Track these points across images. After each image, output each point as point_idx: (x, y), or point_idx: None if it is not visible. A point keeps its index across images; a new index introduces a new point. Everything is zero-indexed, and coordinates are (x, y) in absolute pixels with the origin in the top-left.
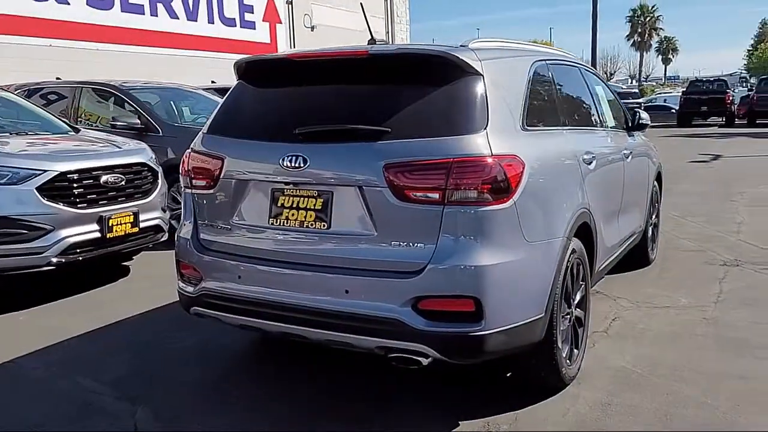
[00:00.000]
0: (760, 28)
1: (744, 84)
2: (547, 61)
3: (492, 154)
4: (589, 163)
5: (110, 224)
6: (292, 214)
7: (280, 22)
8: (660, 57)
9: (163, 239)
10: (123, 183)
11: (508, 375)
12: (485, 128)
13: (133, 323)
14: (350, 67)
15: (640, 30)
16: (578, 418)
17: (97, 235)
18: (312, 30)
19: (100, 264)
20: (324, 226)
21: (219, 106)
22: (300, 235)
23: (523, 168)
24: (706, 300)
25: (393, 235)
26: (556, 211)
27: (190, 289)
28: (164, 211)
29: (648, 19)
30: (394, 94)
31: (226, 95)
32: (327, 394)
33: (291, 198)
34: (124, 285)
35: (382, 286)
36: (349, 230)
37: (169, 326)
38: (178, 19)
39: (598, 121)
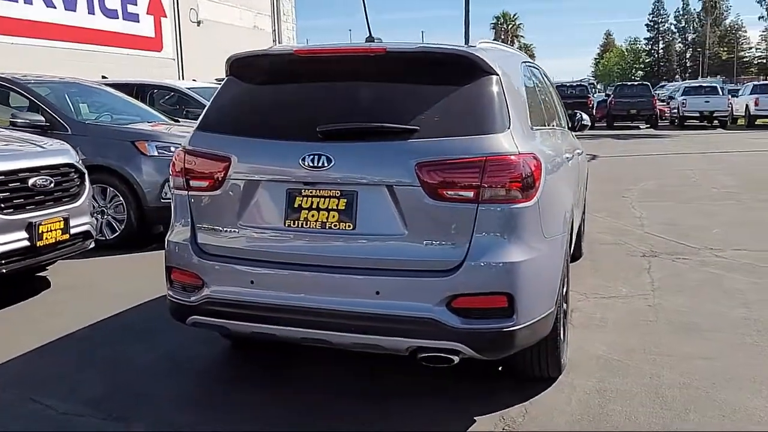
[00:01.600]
0: (605, 39)
1: (592, 90)
2: (527, 63)
3: (519, 153)
4: (569, 161)
5: (40, 231)
6: (312, 215)
7: (165, 16)
8: None
9: (91, 246)
10: (52, 186)
11: (500, 368)
12: (509, 127)
13: (81, 339)
14: (366, 65)
15: (503, 37)
16: (582, 405)
17: (26, 243)
18: (198, 25)
19: (18, 276)
20: (349, 226)
21: (213, 102)
22: (322, 236)
23: (542, 166)
24: (644, 289)
25: (425, 234)
26: (561, 207)
27: (187, 297)
28: (92, 215)
29: (510, 26)
30: (415, 92)
31: (220, 91)
32: (329, 395)
33: (310, 199)
34: (50, 297)
35: (416, 286)
36: (377, 230)
37: (122, 340)
38: (55, 8)
39: (562, 121)
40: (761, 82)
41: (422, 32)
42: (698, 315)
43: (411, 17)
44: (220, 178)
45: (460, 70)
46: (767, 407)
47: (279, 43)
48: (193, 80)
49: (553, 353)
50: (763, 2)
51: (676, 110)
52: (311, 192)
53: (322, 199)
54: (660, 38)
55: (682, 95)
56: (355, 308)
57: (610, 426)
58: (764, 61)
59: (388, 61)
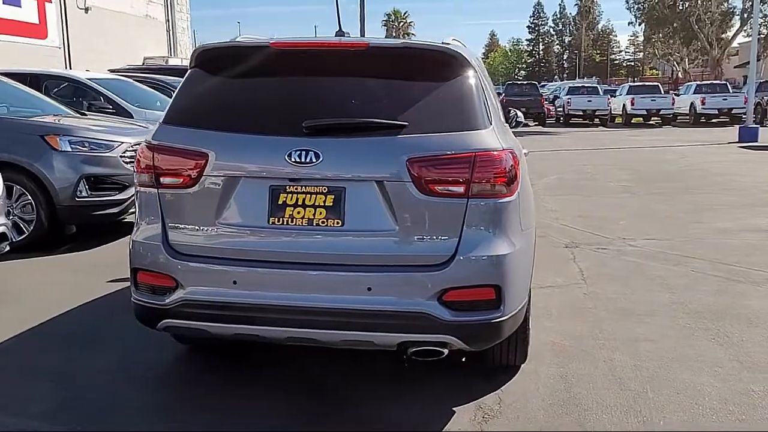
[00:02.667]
0: (490, 39)
1: None
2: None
3: (503, 148)
4: (525, 156)
5: None
6: (298, 213)
7: (50, 1)
8: None
9: (6, 249)
10: None
11: (463, 359)
12: (491, 123)
13: (18, 350)
14: (347, 60)
15: (394, 34)
16: (550, 390)
17: None
18: (86, 12)
19: None
20: (338, 223)
21: (180, 95)
22: (309, 233)
23: (519, 161)
24: (575, 278)
25: (415, 229)
26: (531, 201)
27: (158, 300)
28: (8, 216)
29: (401, 24)
30: (398, 88)
31: (187, 84)
32: (300, 395)
33: (295, 195)
34: None
35: (408, 281)
36: (366, 226)
37: (65, 348)
38: None
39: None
40: (636, 84)
41: (315, 26)
42: (631, 301)
43: (305, 10)
44: (195, 175)
45: (441, 66)
46: (713, 383)
47: (172, 33)
48: (87, 71)
49: (522, 342)
50: (631, 9)
51: (561, 109)
52: (296, 188)
53: (309, 196)
54: (540, 40)
55: (566, 95)
56: (346, 305)
57: (581, 409)
58: (632, 63)
59: (370, 56)
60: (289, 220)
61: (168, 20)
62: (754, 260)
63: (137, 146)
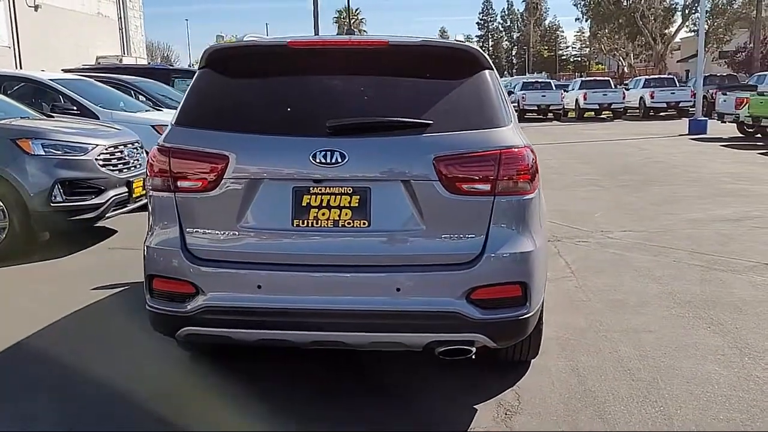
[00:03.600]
0: (440, 35)
1: None
2: None
3: (524, 145)
4: None
5: None
6: (323, 214)
7: None
8: None
9: None
10: None
11: (473, 357)
12: (512, 121)
13: (6, 364)
14: (367, 58)
15: (346, 31)
16: (565, 385)
17: None
18: (36, 10)
19: None
20: (364, 223)
21: (192, 96)
22: (334, 235)
23: (536, 158)
24: (564, 272)
25: (442, 227)
26: (543, 198)
27: (177, 307)
28: None
29: (353, 21)
30: (419, 86)
31: (198, 84)
32: (322, 392)
33: (319, 197)
34: None
35: (437, 280)
36: (393, 226)
37: (42, 362)
38: None
39: None
40: (588, 79)
41: (267, 24)
42: (622, 292)
43: (256, 7)
44: (215, 178)
45: (461, 64)
46: (718, 371)
47: (125, 31)
48: (42, 71)
49: (536, 337)
50: (578, 5)
51: (516, 104)
52: (320, 189)
53: (333, 197)
54: (489, 36)
55: (521, 90)
56: (376, 306)
57: (598, 401)
58: (579, 58)
59: (390, 54)
60: (314, 221)
61: (120, 18)
62: (729, 249)
63: (112, 149)
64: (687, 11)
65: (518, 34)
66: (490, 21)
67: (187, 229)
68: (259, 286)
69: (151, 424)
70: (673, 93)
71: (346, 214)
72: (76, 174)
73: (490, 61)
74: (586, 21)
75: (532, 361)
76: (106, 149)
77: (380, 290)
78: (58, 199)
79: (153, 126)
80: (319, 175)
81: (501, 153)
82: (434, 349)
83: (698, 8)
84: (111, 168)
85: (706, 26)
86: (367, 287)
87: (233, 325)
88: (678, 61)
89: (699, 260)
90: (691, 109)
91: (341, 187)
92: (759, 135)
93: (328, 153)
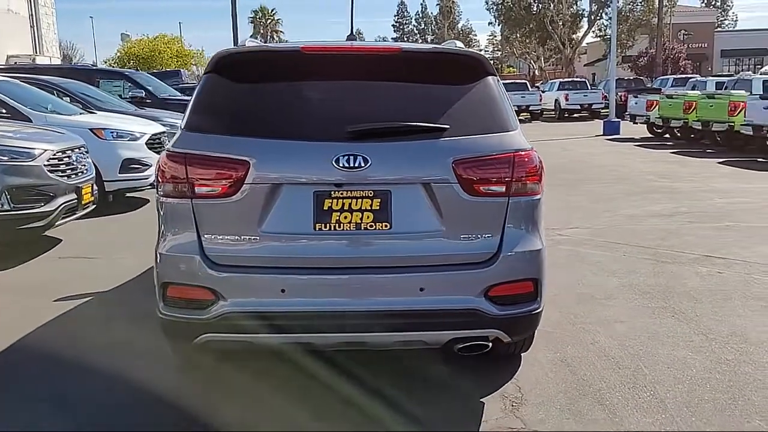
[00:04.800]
0: (357, 38)
1: None
2: None
3: (531, 148)
4: None
5: None
6: (345, 217)
7: None
8: None
9: None
10: None
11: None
12: (518, 125)
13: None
14: (380, 64)
15: (262, 31)
16: (559, 375)
17: None
18: None
19: None
20: (386, 226)
21: (201, 101)
22: (357, 238)
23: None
24: None
25: (461, 228)
26: None
27: (196, 314)
28: None
29: (269, 21)
30: (433, 91)
31: (206, 89)
32: (327, 400)
33: (341, 200)
34: None
35: (458, 279)
36: (414, 228)
37: (54, 373)
38: None
39: None
40: (506, 82)
41: (180, 23)
42: (586, 286)
43: (165, 6)
44: (235, 184)
45: (470, 70)
46: (692, 356)
47: (37, 29)
48: None
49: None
50: (491, 10)
51: None
52: (342, 193)
53: (355, 200)
54: (405, 38)
55: None
56: (401, 307)
57: (594, 389)
58: (492, 62)
59: (402, 60)
60: (336, 225)
61: (31, 15)
62: (669, 243)
63: (60, 154)
64: (593, 17)
65: (432, 37)
66: (406, 23)
67: (205, 235)
68: (283, 290)
69: None
70: (586, 95)
71: (368, 217)
72: (24, 181)
73: (493, 67)
74: (499, 25)
75: (523, 354)
76: (54, 154)
77: (404, 291)
78: (6, 207)
79: (92, 129)
80: (341, 179)
81: (514, 156)
82: (453, 345)
83: (603, 15)
84: (60, 174)
85: (610, 32)
86: (392, 288)
87: (257, 330)
88: (585, 65)
89: (646, 254)
90: (603, 111)
91: (363, 190)
92: (667, 135)
93: (351, 157)
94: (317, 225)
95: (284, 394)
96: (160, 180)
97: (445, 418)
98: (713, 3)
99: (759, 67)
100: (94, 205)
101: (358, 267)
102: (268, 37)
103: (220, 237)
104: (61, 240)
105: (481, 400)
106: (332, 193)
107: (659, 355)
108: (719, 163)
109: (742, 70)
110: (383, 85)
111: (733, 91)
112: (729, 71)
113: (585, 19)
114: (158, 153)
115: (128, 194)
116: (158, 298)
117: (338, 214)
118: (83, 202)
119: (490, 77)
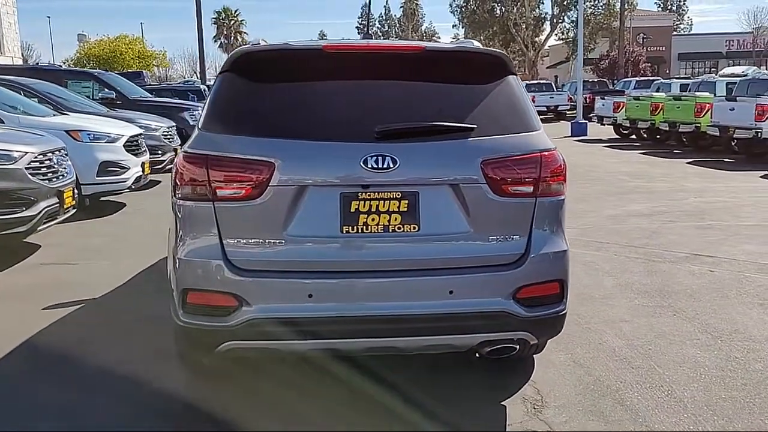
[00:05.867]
0: (320, 37)
1: None
2: None
3: (555, 148)
4: None
5: None
6: (372, 219)
7: None
8: None
9: None
10: None
11: (477, 355)
12: (541, 125)
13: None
14: (404, 63)
15: (225, 32)
16: (574, 377)
17: None
18: None
19: None
20: (414, 228)
21: (218, 101)
22: (385, 240)
23: None
24: None
25: (489, 229)
26: None
27: (219, 321)
28: None
29: (233, 22)
30: (458, 91)
31: (224, 89)
32: (343, 401)
33: (368, 202)
34: None
35: (487, 281)
36: (442, 230)
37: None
38: None
39: None
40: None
41: (141, 24)
42: (584, 286)
43: (125, 6)
44: (259, 186)
45: (494, 70)
46: (701, 354)
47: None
48: None
49: None
50: (454, 12)
51: None
52: (369, 195)
53: (382, 202)
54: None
55: None
56: (431, 310)
57: (612, 390)
58: None
59: (425, 60)
60: (364, 227)
61: None
62: (657, 242)
63: (41, 156)
64: (555, 21)
65: (396, 39)
66: (369, 25)
67: (228, 239)
68: (310, 295)
69: None
70: (552, 97)
71: (396, 219)
72: (5, 184)
73: (515, 67)
74: (462, 28)
75: (534, 356)
76: (36, 157)
77: (434, 294)
78: None
79: (67, 131)
80: (369, 181)
81: (541, 156)
82: (482, 348)
83: (565, 18)
84: (41, 177)
85: (572, 35)
86: (422, 291)
87: (281, 336)
88: (548, 68)
89: (636, 253)
90: (569, 113)
91: (390, 192)
92: (634, 136)
93: (380, 158)
94: (344, 227)
95: (300, 394)
96: (178, 182)
97: (468, 423)
98: (669, 7)
99: (714, 69)
100: (75, 209)
101: (387, 270)
102: (232, 38)
103: (244, 241)
104: (40, 246)
105: (501, 403)
106: (359, 194)
107: (669, 354)
108: (687, 163)
109: (699, 73)
110: (406, 84)
111: (698, 93)
112: (686, 74)
113: (547, 23)
114: (136, 156)
115: (102, 198)
116: (177, 305)
117: (365, 216)
118: (65, 206)
119: (511, 76)
